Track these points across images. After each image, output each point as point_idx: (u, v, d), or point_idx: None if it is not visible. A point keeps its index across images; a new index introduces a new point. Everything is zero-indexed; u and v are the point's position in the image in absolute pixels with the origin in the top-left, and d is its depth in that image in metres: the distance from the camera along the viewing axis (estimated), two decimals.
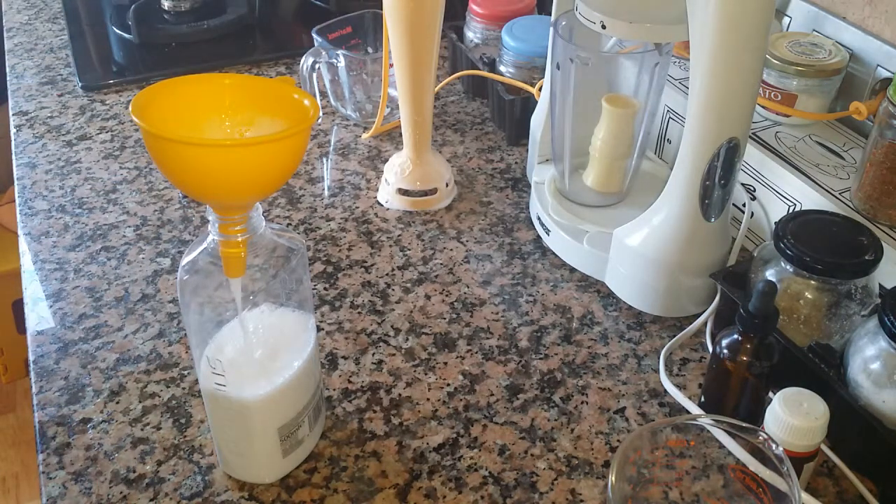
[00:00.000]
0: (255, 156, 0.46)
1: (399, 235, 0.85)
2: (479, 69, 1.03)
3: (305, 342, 0.58)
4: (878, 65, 0.81)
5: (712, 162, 0.65)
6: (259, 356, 0.57)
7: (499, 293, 0.78)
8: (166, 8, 1.25)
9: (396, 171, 0.88)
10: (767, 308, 0.57)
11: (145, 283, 0.79)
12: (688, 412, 0.66)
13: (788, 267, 0.65)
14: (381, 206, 0.89)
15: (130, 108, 0.47)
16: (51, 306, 0.76)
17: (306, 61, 0.96)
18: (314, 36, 0.99)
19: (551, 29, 0.77)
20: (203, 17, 1.24)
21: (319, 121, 1.04)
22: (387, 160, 0.91)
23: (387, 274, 0.80)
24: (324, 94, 1.05)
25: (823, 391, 0.56)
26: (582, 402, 0.67)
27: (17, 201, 0.90)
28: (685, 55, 0.89)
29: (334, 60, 0.97)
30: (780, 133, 0.84)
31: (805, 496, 0.58)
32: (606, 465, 0.62)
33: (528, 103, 0.95)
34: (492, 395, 0.68)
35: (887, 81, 0.80)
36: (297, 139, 0.49)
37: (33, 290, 0.78)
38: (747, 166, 0.81)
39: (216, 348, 0.56)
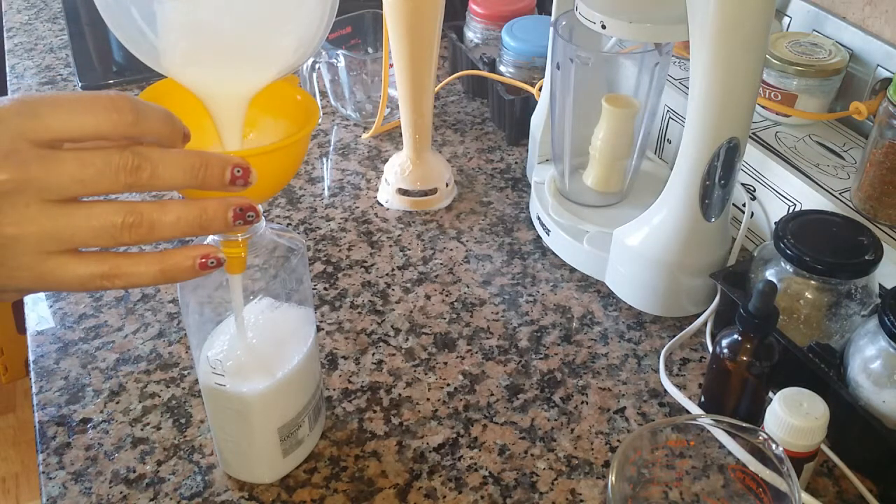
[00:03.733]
0: (258, 163, 0.46)
1: (399, 235, 0.85)
2: (479, 69, 1.03)
3: (305, 340, 0.58)
4: (878, 65, 0.81)
5: (712, 162, 0.65)
6: (259, 353, 0.57)
7: (499, 293, 0.78)
8: None
9: (396, 171, 0.88)
10: (767, 308, 0.57)
11: None
12: (688, 412, 0.66)
13: (788, 267, 0.65)
14: (381, 206, 0.89)
15: None
16: (51, 306, 0.76)
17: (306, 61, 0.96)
18: None
19: (551, 29, 0.77)
20: None
21: (319, 121, 1.04)
22: (387, 160, 0.91)
23: (387, 274, 0.80)
24: (324, 94, 1.05)
25: (823, 391, 0.56)
26: (582, 402, 0.67)
27: None
28: (685, 55, 0.89)
29: (334, 60, 0.97)
30: (780, 133, 0.84)
31: (805, 496, 0.59)
32: (606, 465, 0.62)
33: (528, 103, 0.95)
34: (492, 395, 0.68)
35: (887, 81, 0.80)
36: (299, 145, 0.49)
37: None
38: (747, 166, 0.81)
39: (215, 345, 0.56)
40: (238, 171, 0.43)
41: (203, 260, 0.43)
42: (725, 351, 0.60)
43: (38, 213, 0.39)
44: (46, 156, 0.39)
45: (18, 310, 1.82)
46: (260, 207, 0.52)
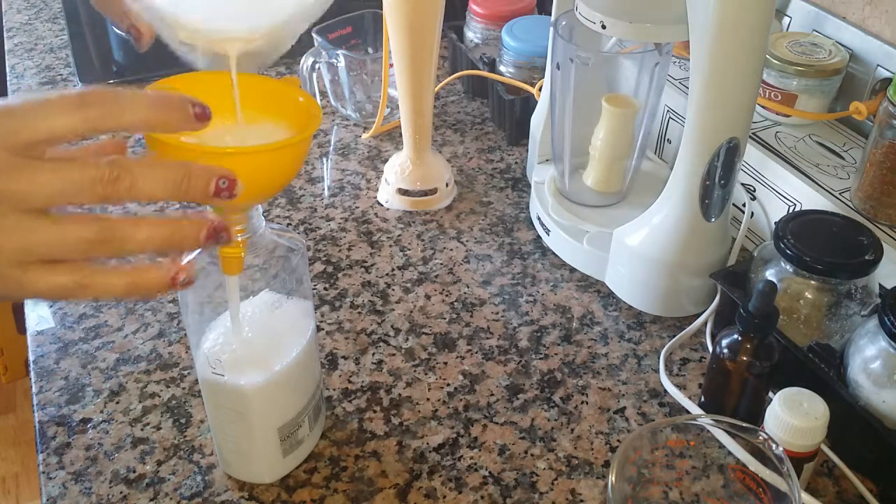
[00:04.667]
0: (258, 163, 0.46)
1: (399, 235, 0.85)
2: (479, 69, 1.03)
3: (303, 335, 0.58)
4: (878, 65, 0.81)
5: (712, 162, 0.65)
6: (256, 347, 0.56)
7: (499, 293, 0.78)
8: None
9: (396, 171, 0.88)
10: (767, 308, 0.57)
11: None
12: (688, 412, 0.66)
13: (788, 267, 0.65)
14: (381, 206, 0.89)
15: None
16: (51, 306, 0.76)
17: (306, 61, 0.96)
18: (314, 36, 0.99)
19: (551, 29, 0.77)
20: None
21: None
22: (387, 160, 0.91)
23: (387, 274, 0.80)
24: (324, 94, 1.05)
25: (823, 391, 0.56)
26: (582, 402, 0.67)
27: None
28: (685, 55, 0.89)
29: (334, 60, 0.97)
30: (780, 133, 0.84)
31: (805, 496, 0.58)
32: (606, 465, 0.62)
33: (528, 103, 0.95)
34: (492, 395, 0.68)
35: (887, 81, 0.80)
36: (300, 146, 0.49)
37: None
38: (747, 166, 0.81)
39: (210, 338, 0.56)
40: (223, 183, 0.42)
41: (176, 276, 0.43)
42: (725, 351, 0.60)
43: (15, 224, 0.39)
44: (22, 165, 0.39)
45: (18, 310, 1.82)
46: (259, 207, 0.52)
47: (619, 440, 0.64)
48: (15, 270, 0.40)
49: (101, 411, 0.66)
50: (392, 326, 0.74)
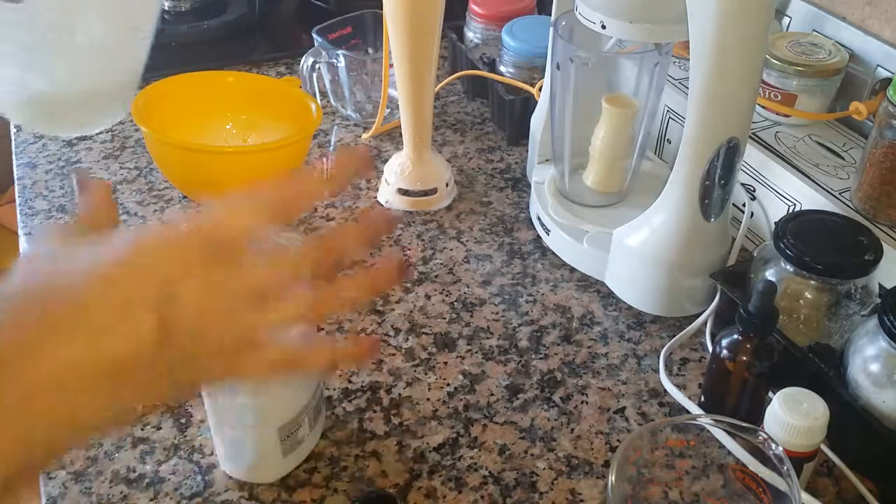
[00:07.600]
0: (259, 161, 0.46)
1: (399, 235, 0.85)
2: (479, 69, 1.03)
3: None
4: (878, 65, 0.81)
5: (712, 162, 0.65)
6: None
7: (499, 293, 0.78)
8: (166, 8, 1.25)
9: (396, 171, 0.88)
10: (767, 308, 0.57)
11: None
12: (688, 412, 0.66)
13: (788, 267, 0.65)
14: (382, 206, 0.89)
15: (132, 111, 0.47)
16: None
17: (306, 61, 0.96)
18: (314, 36, 0.99)
19: (551, 29, 0.77)
20: (203, 17, 1.24)
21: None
22: (387, 160, 0.91)
23: None
24: (324, 95, 1.05)
25: (823, 391, 0.56)
26: (582, 402, 0.67)
27: (18, 201, 0.90)
28: (685, 55, 0.89)
29: (334, 60, 0.97)
30: (780, 133, 0.84)
31: (805, 496, 0.59)
32: (606, 464, 0.62)
33: (528, 103, 0.95)
34: (492, 394, 0.68)
35: (887, 81, 0.80)
36: (301, 145, 0.49)
37: None
38: (747, 166, 0.81)
39: None
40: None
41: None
42: (725, 351, 0.60)
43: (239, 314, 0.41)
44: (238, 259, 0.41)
45: None
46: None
47: (619, 440, 0.64)
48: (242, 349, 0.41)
49: None
50: (392, 326, 0.74)
